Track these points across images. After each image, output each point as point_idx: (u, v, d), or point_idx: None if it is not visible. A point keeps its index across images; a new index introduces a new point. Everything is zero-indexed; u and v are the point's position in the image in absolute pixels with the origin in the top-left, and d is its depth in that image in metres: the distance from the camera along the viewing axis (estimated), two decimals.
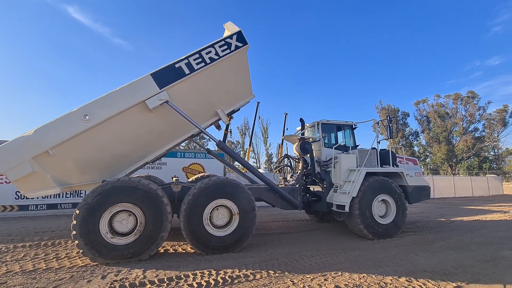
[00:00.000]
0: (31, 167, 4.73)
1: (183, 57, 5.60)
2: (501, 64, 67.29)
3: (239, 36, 5.99)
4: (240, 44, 5.98)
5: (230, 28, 6.21)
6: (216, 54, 5.77)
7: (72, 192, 11.25)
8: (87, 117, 4.94)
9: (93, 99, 5.12)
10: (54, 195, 10.83)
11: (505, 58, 66.87)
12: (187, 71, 5.57)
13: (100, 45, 76.69)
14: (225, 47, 5.86)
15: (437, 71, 74.00)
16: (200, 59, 5.66)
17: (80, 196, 11.29)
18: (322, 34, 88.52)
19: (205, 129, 6.40)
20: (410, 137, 46.30)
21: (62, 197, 11.09)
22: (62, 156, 5.01)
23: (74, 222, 4.58)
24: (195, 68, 5.61)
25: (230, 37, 5.94)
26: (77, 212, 4.61)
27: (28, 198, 10.40)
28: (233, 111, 6.93)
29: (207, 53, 5.72)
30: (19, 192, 10.38)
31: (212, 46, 5.78)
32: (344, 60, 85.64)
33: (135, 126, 5.53)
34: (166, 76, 5.47)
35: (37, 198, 10.53)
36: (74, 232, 4.56)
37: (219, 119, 6.67)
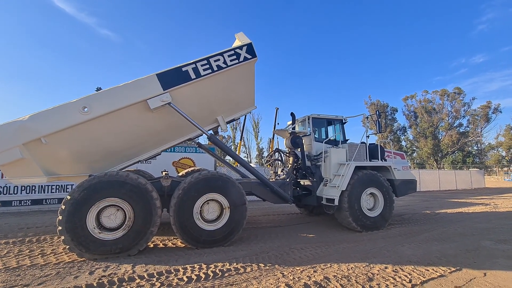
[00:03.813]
0: (21, 153, 4.62)
1: (191, 62, 5.58)
2: (485, 61, 69.45)
3: (249, 48, 6.00)
4: (249, 56, 5.99)
5: (241, 39, 6.22)
6: (224, 62, 5.77)
7: (57, 187, 10.97)
8: (85, 109, 4.85)
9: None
10: (39, 190, 10.60)
11: (488, 56, 69.05)
12: (193, 76, 5.54)
13: (86, 36, 74.08)
14: (234, 57, 5.87)
15: (424, 67, 75.63)
16: (207, 66, 5.65)
17: (66, 191, 11.01)
18: (313, 28, 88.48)
19: (202, 135, 6.44)
20: (398, 132, 47.33)
21: (47, 192, 10.80)
22: (54, 146, 4.90)
23: (60, 217, 4.45)
24: (202, 74, 5.60)
25: (240, 47, 5.95)
26: (63, 207, 4.49)
27: (11, 194, 10.14)
28: (233, 120, 6.94)
29: (215, 61, 5.71)
30: (1, 187, 10.04)
31: (221, 54, 5.78)
32: (335, 55, 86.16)
33: (133, 124, 5.46)
34: (172, 78, 5.44)
35: (21, 193, 10.29)
36: (60, 228, 4.44)
37: (218, 126, 6.66)
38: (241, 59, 5.93)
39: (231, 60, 5.83)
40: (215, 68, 5.70)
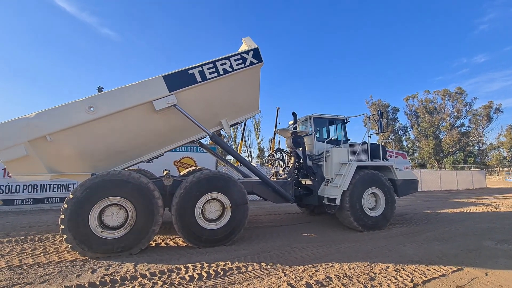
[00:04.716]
0: (25, 150, 4.66)
1: (197, 65, 5.64)
2: (487, 61, 69.30)
3: (255, 53, 6.06)
4: (255, 61, 6.05)
5: (248, 43, 6.28)
6: (231, 66, 5.83)
7: (59, 186, 11.00)
8: (91, 109, 4.91)
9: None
10: (41, 189, 10.63)
11: (490, 55, 68.90)
12: (199, 79, 5.59)
13: (87, 35, 74.24)
14: (240, 61, 5.93)
15: (425, 67, 75.49)
16: (213, 69, 5.70)
17: (67, 190, 11.04)
18: (315, 27, 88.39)
19: (205, 137, 6.51)
20: (399, 132, 47.23)
21: (49, 191, 10.83)
22: (59, 144, 4.94)
23: (62, 216, 4.47)
24: (208, 77, 5.65)
25: (247, 52, 6.01)
26: (65, 206, 4.50)
27: (14, 192, 10.18)
28: (237, 123, 6.97)
29: (221, 64, 5.77)
30: (3, 186, 10.08)
31: (227, 58, 5.84)
32: (336, 55, 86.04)
33: (138, 125, 5.50)
34: (178, 81, 5.49)
35: (23, 192, 10.33)
36: (62, 227, 4.46)
37: (222, 128, 6.71)
38: (247, 63, 5.98)
39: (237, 64, 5.88)
40: (221, 72, 5.75)
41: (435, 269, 4.26)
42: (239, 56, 5.94)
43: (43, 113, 4.78)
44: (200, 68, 5.61)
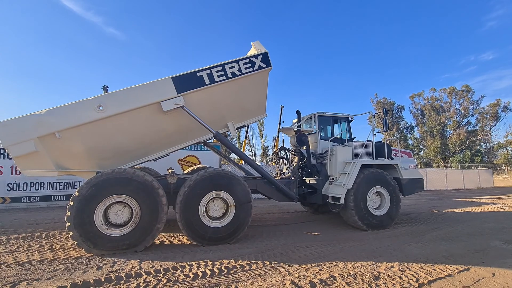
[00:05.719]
0: (35, 146, 4.75)
1: (206, 67, 5.69)
2: (495, 58, 67.88)
3: (264, 57, 6.10)
4: (264, 65, 6.08)
5: (257, 47, 6.32)
6: (239, 70, 5.87)
7: (65, 184, 11.15)
8: (101, 108, 5.00)
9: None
10: (47, 186, 10.80)
11: (498, 53, 67.40)
12: (207, 81, 5.64)
13: (92, 34, 74.90)
14: (249, 65, 5.96)
15: (432, 65, 74.44)
16: (222, 72, 5.75)
17: (74, 188, 11.19)
18: (319, 25, 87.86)
19: (210, 139, 6.61)
20: (404, 130, 46.75)
21: (56, 189, 10.99)
22: (67, 141, 5.03)
23: (68, 213, 4.52)
24: (216, 80, 5.69)
25: (256, 56, 6.05)
26: (71, 203, 4.55)
27: (21, 190, 10.36)
28: (243, 126, 7.00)
29: (230, 68, 5.81)
30: (11, 184, 10.26)
31: (236, 62, 5.89)
32: (340, 52, 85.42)
33: (145, 125, 5.57)
34: (186, 83, 5.55)
35: (30, 189, 10.50)
36: (68, 224, 4.52)
37: (227, 131, 6.75)
38: (256, 67, 6.00)
39: (245, 68, 5.91)
40: (230, 75, 5.79)
41: (441, 269, 4.22)
42: (248, 60, 5.96)
43: (53, 110, 4.88)
44: (208, 71, 5.65)
